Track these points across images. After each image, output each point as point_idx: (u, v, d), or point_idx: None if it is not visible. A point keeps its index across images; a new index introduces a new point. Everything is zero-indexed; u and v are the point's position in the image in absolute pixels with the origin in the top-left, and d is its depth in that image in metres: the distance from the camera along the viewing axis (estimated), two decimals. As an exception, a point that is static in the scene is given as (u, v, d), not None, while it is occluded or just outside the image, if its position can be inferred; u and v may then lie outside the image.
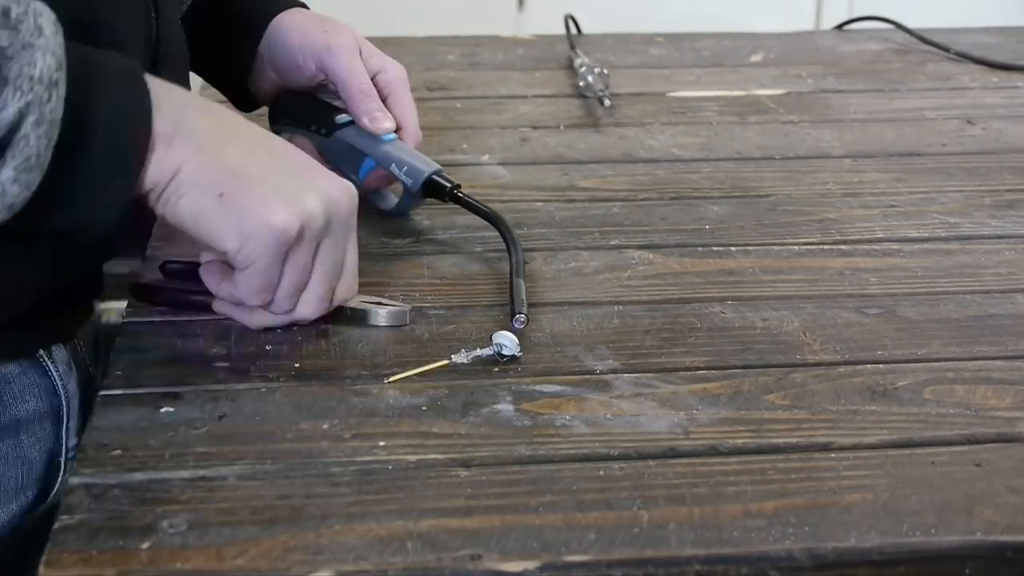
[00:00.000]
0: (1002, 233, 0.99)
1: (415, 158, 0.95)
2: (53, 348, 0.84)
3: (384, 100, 0.96)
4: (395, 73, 0.98)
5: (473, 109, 1.26)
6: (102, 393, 0.75)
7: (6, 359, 0.83)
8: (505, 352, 0.78)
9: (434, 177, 0.94)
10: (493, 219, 0.93)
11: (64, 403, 0.84)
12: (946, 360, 0.80)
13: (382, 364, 0.79)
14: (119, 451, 0.70)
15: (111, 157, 0.71)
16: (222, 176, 0.75)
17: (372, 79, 0.97)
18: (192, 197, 0.74)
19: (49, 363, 0.84)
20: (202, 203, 0.74)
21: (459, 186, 0.94)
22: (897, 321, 0.85)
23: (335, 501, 0.66)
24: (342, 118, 0.97)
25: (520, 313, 0.82)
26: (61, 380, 0.84)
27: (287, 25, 1.00)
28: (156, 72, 0.83)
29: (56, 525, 0.64)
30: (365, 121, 0.95)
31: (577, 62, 1.35)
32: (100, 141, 0.70)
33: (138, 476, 0.68)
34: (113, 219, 0.73)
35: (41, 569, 0.61)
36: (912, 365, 0.80)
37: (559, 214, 1.01)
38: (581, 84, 1.31)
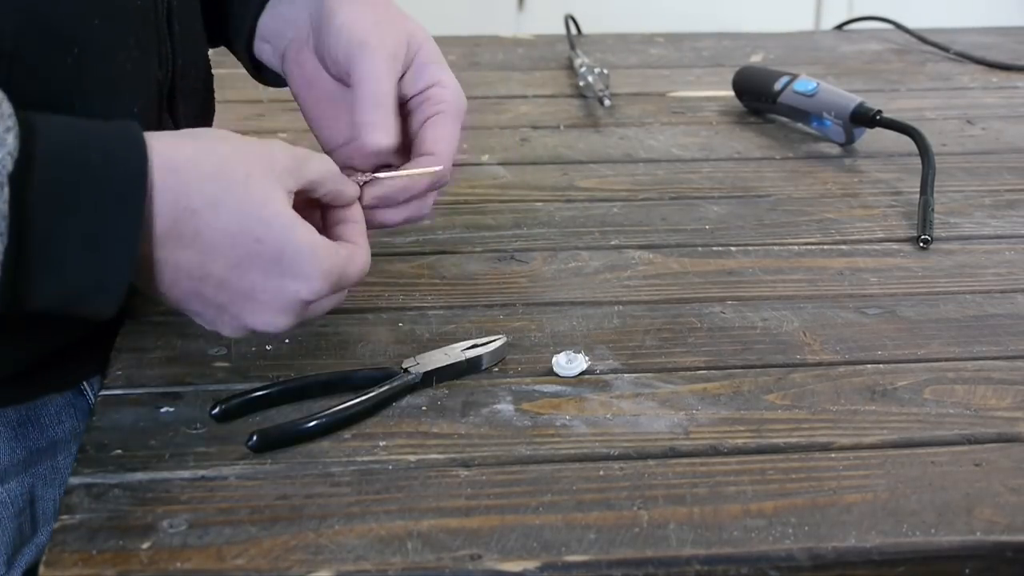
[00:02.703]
0: (1002, 233, 0.99)
1: (840, 97, 1.15)
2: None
3: (426, 119, 0.82)
4: (450, 94, 0.83)
5: (473, 109, 1.24)
6: (102, 393, 0.75)
7: (52, 392, 0.83)
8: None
9: (857, 108, 1.14)
10: (911, 132, 1.11)
11: None
12: (946, 360, 0.80)
13: (382, 364, 0.79)
14: (119, 451, 0.70)
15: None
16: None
17: (419, 93, 0.82)
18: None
19: (84, 382, 0.84)
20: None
21: (880, 111, 1.13)
22: (897, 321, 0.85)
23: (335, 501, 0.66)
24: (779, 84, 1.20)
25: (926, 235, 0.95)
26: (96, 398, 0.83)
27: None
28: (172, 107, 0.82)
29: (56, 525, 0.64)
30: (364, 129, 0.78)
31: (577, 62, 1.35)
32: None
33: (138, 476, 0.68)
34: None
35: (41, 569, 0.61)
36: (912, 365, 0.80)
37: (559, 214, 1.01)
38: (581, 84, 1.31)
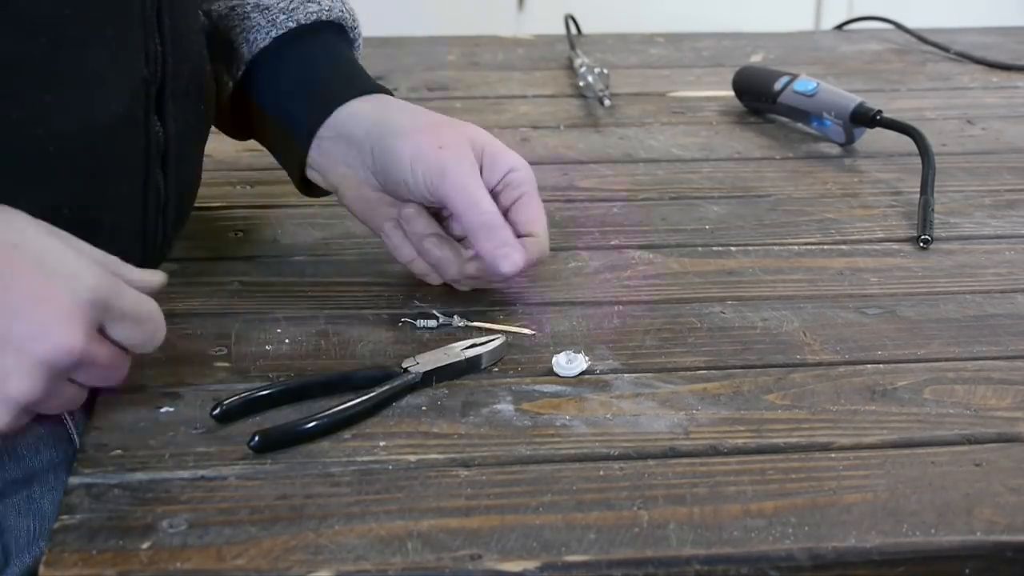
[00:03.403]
0: (1002, 233, 0.99)
1: (840, 97, 1.15)
2: None
3: (512, 203, 0.84)
4: (524, 174, 0.85)
5: (473, 109, 1.26)
6: (102, 394, 0.75)
7: (32, 422, 0.81)
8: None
9: (857, 108, 1.14)
10: (911, 132, 1.11)
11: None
12: (946, 360, 0.80)
13: (382, 364, 0.79)
14: (119, 451, 0.70)
15: None
16: None
17: (499, 182, 0.85)
18: None
19: (66, 413, 0.82)
20: None
21: (880, 111, 1.13)
22: (897, 321, 0.85)
23: (335, 501, 0.66)
24: (779, 84, 1.20)
25: (926, 235, 0.95)
26: (76, 428, 0.80)
27: (397, 127, 0.85)
28: (161, 110, 0.79)
29: (56, 525, 0.64)
30: (496, 260, 0.81)
31: (577, 62, 1.35)
32: None
33: (138, 476, 0.68)
34: None
35: (41, 569, 0.61)
36: (912, 365, 0.80)
37: (559, 214, 1.01)
38: (581, 84, 1.31)
